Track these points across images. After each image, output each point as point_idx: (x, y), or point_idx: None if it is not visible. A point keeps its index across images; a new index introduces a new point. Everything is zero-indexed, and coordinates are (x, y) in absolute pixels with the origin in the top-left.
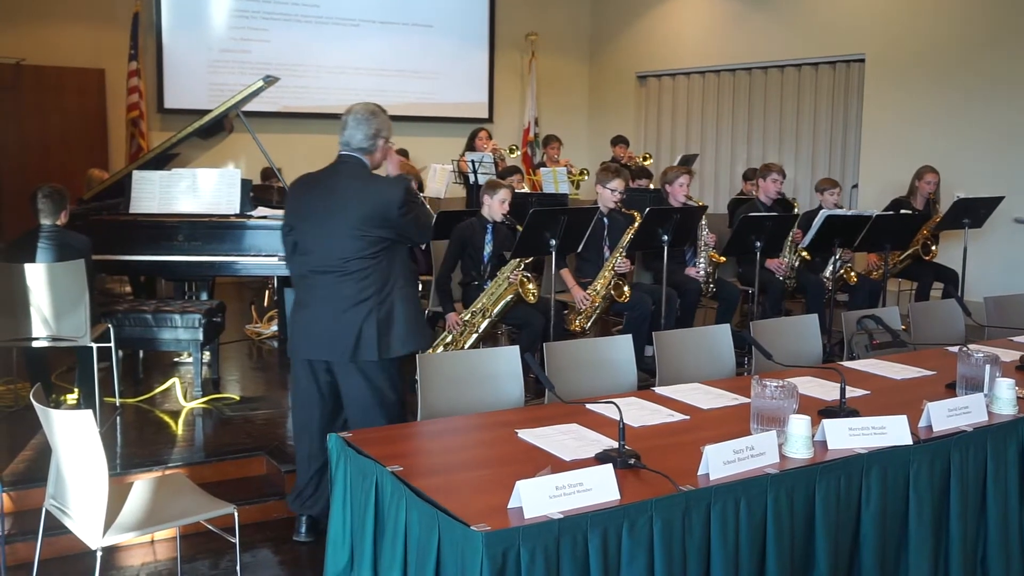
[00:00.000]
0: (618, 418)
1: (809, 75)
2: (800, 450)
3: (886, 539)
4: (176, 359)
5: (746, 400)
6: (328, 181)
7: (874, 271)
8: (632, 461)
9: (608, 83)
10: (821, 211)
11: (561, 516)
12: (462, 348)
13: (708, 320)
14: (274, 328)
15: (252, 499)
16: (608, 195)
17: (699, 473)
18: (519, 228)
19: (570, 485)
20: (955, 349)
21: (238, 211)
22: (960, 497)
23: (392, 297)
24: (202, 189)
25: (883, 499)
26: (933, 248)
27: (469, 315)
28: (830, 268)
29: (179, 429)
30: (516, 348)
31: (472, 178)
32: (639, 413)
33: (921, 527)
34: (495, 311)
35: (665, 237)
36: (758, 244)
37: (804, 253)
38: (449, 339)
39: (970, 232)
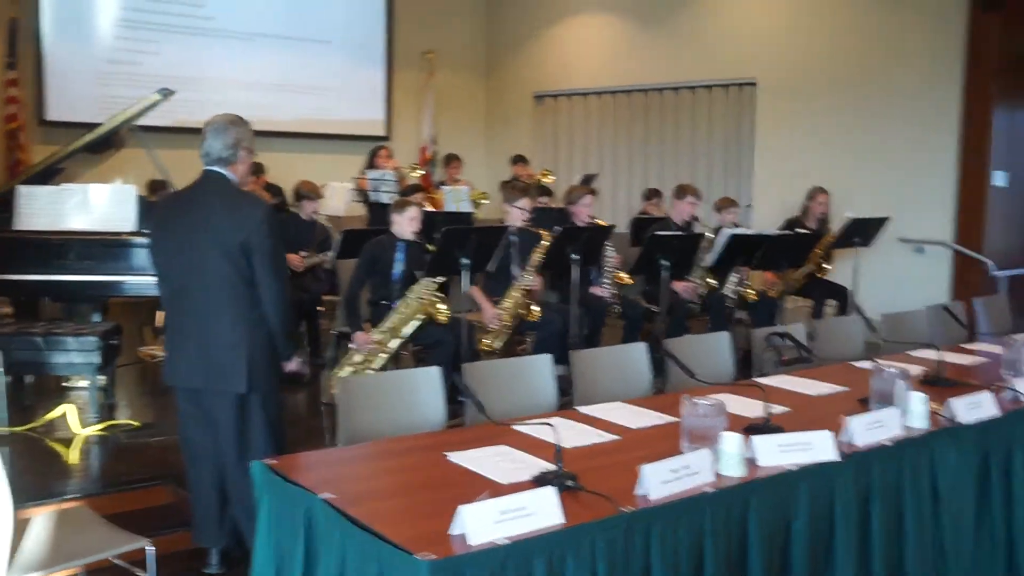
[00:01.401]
0: (550, 438)
1: (703, 97)
2: (734, 468)
3: (815, 552)
4: (65, 384)
5: (672, 419)
6: (191, 197)
7: (770, 289)
8: (570, 483)
9: (505, 102)
10: (722, 230)
11: (508, 542)
12: (372, 369)
13: (614, 338)
14: None
15: (158, 530)
16: (516, 213)
17: (637, 493)
18: (428, 247)
19: (514, 510)
20: (863, 364)
21: (134, 228)
22: (881, 510)
23: (265, 322)
24: (94, 205)
25: (811, 514)
26: (826, 267)
27: (379, 335)
28: (729, 287)
29: (74, 458)
30: (437, 369)
31: (373, 196)
32: (568, 433)
33: (847, 540)
34: (405, 331)
35: (575, 256)
36: (664, 263)
37: (712, 281)
38: (358, 359)
39: (858, 252)
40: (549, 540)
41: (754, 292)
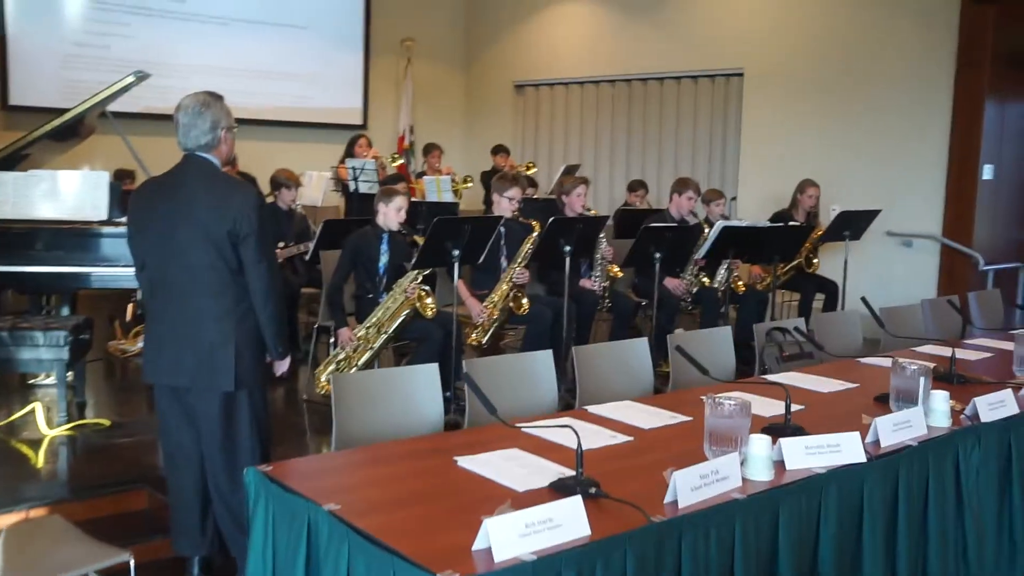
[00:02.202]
0: (562, 440)
1: (689, 88)
2: (761, 472)
3: (842, 557)
4: (31, 381)
5: (684, 418)
6: (172, 184)
7: (758, 283)
8: (593, 490)
9: (485, 91)
10: (717, 222)
11: (535, 557)
12: (356, 366)
13: (602, 333)
14: (141, 345)
15: (134, 538)
16: (506, 204)
17: (666, 501)
18: (416, 239)
19: (540, 522)
20: (869, 361)
21: (105, 216)
22: (907, 513)
23: (253, 315)
24: (64, 193)
25: (840, 518)
26: (815, 260)
27: (363, 331)
28: (718, 279)
29: (42, 461)
30: (435, 366)
31: (352, 186)
32: (580, 435)
33: (874, 545)
34: (391, 327)
35: (567, 248)
36: (658, 255)
37: (705, 279)
38: (342, 356)
39: (846, 245)
40: (577, 554)
41: (743, 284)
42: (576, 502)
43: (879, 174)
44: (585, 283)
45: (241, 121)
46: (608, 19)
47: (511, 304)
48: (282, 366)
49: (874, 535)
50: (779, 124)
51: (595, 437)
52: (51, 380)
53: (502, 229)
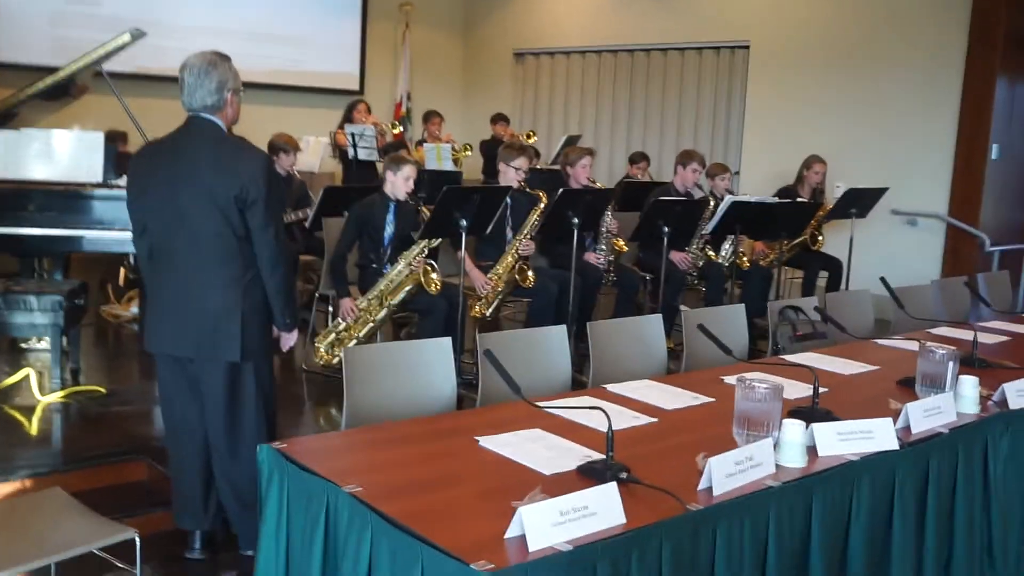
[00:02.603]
0: (586, 421)
1: (693, 60)
2: (795, 458)
3: (873, 547)
4: (23, 345)
5: (706, 399)
6: (175, 146)
7: (761, 259)
8: (624, 475)
9: (484, 59)
10: (725, 197)
11: (570, 547)
12: (356, 338)
13: (607, 308)
14: (135, 310)
15: (133, 511)
16: (512, 174)
17: (699, 488)
18: (424, 209)
19: (575, 509)
20: (887, 342)
21: (100, 179)
22: (936, 503)
23: (260, 284)
24: (58, 153)
25: (872, 507)
26: (820, 238)
27: (365, 302)
28: (723, 254)
29: (35, 429)
30: (448, 340)
31: (351, 152)
32: (601, 415)
33: (904, 536)
34: (394, 300)
35: (575, 220)
36: (666, 230)
37: (711, 253)
38: (342, 327)
39: (851, 223)
40: (613, 543)
41: (747, 260)
42: (611, 489)
43: (885, 151)
44: (590, 257)
45: None
46: None
47: (516, 276)
48: (289, 339)
49: (905, 525)
50: (785, 99)
51: (618, 418)
52: (43, 344)
53: (508, 199)
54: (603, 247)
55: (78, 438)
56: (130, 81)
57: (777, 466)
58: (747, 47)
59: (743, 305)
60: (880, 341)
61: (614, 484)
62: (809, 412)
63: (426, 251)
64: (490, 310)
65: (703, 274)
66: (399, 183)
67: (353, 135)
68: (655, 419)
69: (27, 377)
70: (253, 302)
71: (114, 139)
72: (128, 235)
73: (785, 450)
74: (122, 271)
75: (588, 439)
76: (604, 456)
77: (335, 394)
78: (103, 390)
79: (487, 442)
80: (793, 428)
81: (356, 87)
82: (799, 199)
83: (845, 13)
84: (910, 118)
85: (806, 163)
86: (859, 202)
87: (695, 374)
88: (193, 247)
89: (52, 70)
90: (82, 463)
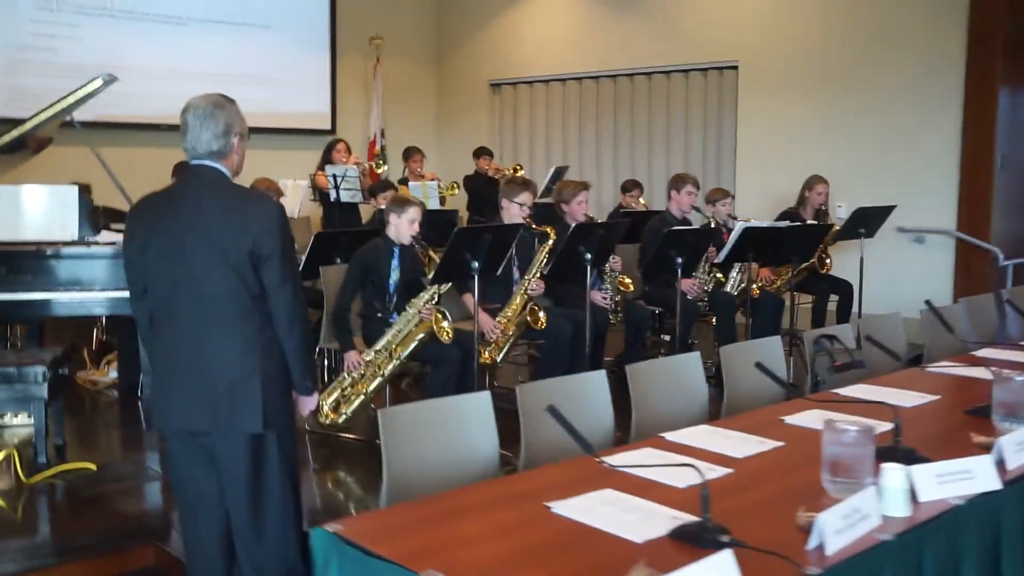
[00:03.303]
0: (659, 477)
1: (679, 82)
2: (900, 507)
3: None
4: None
5: (775, 443)
6: (178, 198)
7: (768, 286)
8: (726, 538)
9: (459, 91)
10: (738, 223)
11: None
12: (364, 393)
13: (615, 346)
14: (113, 375)
15: None
16: (516, 210)
17: (809, 547)
18: (431, 253)
19: None
20: (939, 369)
21: (76, 236)
22: None
23: (279, 345)
24: (29, 210)
25: (979, 554)
26: (827, 260)
27: (372, 354)
28: (731, 283)
29: (25, 516)
30: (487, 395)
31: (333, 194)
32: (671, 469)
33: None
34: (404, 352)
35: (588, 255)
36: (679, 261)
37: (720, 274)
38: (347, 382)
39: (853, 244)
40: None
41: (756, 289)
42: (727, 559)
43: (887, 168)
44: (595, 296)
45: None
46: (590, 11)
47: (528, 318)
48: (310, 403)
49: (1014, 569)
50: (778, 119)
51: (691, 472)
52: (19, 420)
53: None
54: (607, 285)
55: (74, 524)
56: (90, 129)
57: (883, 517)
58: (736, 67)
59: (779, 337)
60: (931, 368)
61: (729, 552)
62: (893, 452)
63: (436, 297)
64: (500, 356)
65: (712, 305)
66: (403, 226)
67: (335, 176)
68: (730, 470)
69: (11, 457)
70: (273, 365)
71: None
72: (108, 295)
73: (888, 498)
74: (95, 333)
75: (667, 498)
76: (696, 518)
77: (343, 455)
78: (94, 467)
79: (560, 508)
80: (895, 474)
81: (328, 126)
82: (800, 222)
83: (837, 28)
84: (911, 132)
85: (808, 184)
86: (867, 222)
87: (750, 416)
88: (202, 309)
89: (7, 122)
90: (83, 552)
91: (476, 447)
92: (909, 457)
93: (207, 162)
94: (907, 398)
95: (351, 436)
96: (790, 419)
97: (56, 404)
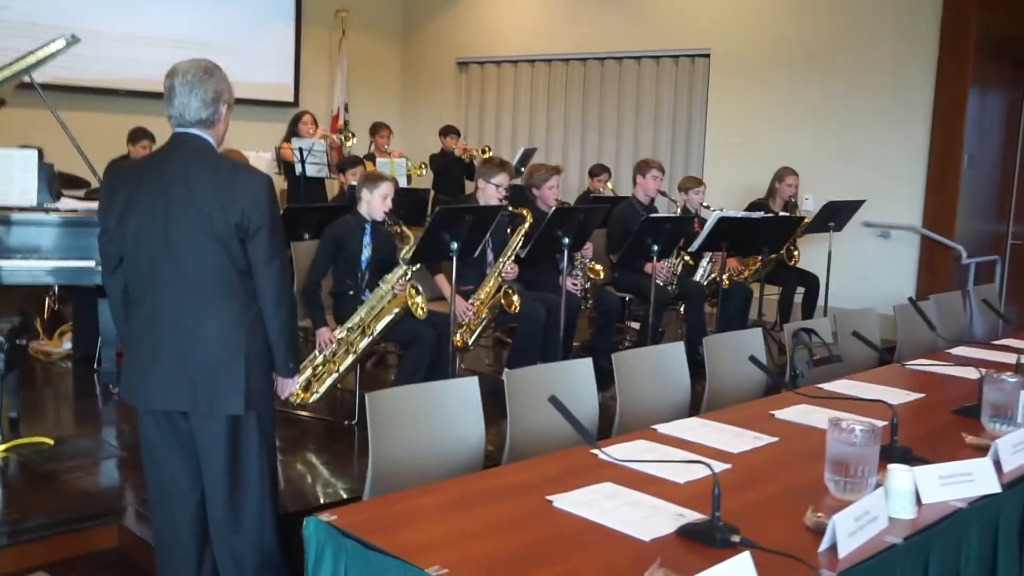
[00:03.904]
0: (657, 471)
1: (650, 69)
2: (905, 509)
3: None
4: None
5: (769, 438)
6: (162, 168)
7: (735, 276)
8: (736, 538)
9: (425, 68)
10: (714, 213)
11: None
12: (337, 371)
13: (583, 332)
14: (67, 346)
15: None
16: (492, 191)
17: (821, 549)
18: (404, 229)
19: None
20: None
21: (35, 202)
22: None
23: (263, 323)
24: None
25: (980, 555)
26: (796, 252)
27: (344, 332)
28: (700, 273)
29: None
30: (474, 380)
31: (299, 168)
32: (669, 464)
33: None
34: (377, 328)
35: (566, 240)
36: (655, 248)
37: (688, 257)
38: (320, 360)
39: (817, 236)
40: None
41: (727, 279)
42: (745, 562)
43: (855, 162)
44: (566, 283)
45: (160, 96)
46: None
47: (502, 301)
48: (291, 385)
49: (1009, 571)
50: (748, 108)
51: (688, 467)
52: None
53: None
54: (578, 272)
55: (31, 501)
56: (47, 92)
57: (889, 518)
58: (707, 55)
59: (759, 329)
60: (911, 365)
61: (747, 555)
62: (890, 451)
63: (409, 274)
64: (472, 338)
65: (681, 294)
66: (376, 202)
67: (301, 150)
68: (728, 465)
69: None
70: (257, 344)
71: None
72: (63, 264)
73: (894, 500)
74: (47, 302)
75: (669, 493)
76: (701, 515)
77: (312, 435)
78: (50, 442)
79: (561, 502)
80: (902, 475)
81: (291, 98)
82: (769, 213)
83: (810, 20)
84: (880, 128)
85: (778, 175)
86: (837, 215)
87: (739, 409)
88: (185, 283)
89: None
90: (42, 531)
91: (463, 434)
92: (905, 456)
93: (194, 130)
94: (892, 395)
95: (316, 416)
96: (780, 414)
97: (12, 376)
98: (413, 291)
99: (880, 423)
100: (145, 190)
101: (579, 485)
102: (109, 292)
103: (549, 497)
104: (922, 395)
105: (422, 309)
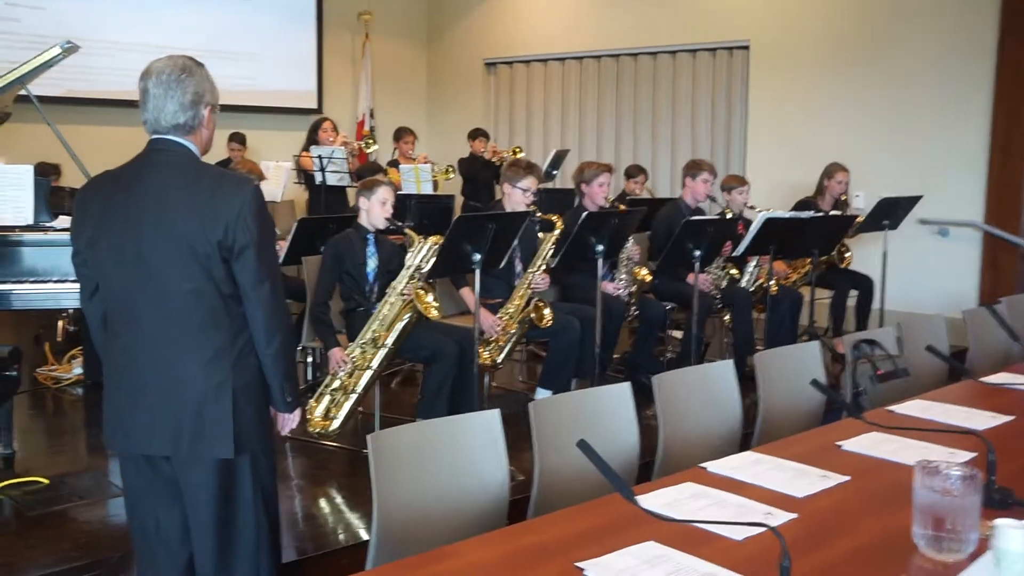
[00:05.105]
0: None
1: (686, 62)
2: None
3: None
4: None
5: (839, 477)
6: (135, 180)
7: (783, 280)
8: None
9: (452, 70)
10: (760, 214)
11: None
12: (355, 392)
13: (623, 344)
14: (77, 371)
15: None
16: (519, 196)
17: None
18: (410, 232)
19: None
20: (998, 380)
21: (31, 220)
22: None
23: (254, 353)
24: None
25: None
26: (847, 254)
27: (358, 349)
28: (746, 278)
29: None
30: (496, 413)
31: (319, 177)
32: (718, 510)
33: None
34: (390, 339)
35: (600, 247)
36: (697, 253)
37: (734, 270)
38: (336, 384)
39: (870, 236)
40: None
41: (775, 284)
42: None
43: (909, 155)
44: (607, 287)
45: None
46: None
47: (532, 315)
48: (291, 421)
49: None
50: (792, 102)
51: (745, 516)
52: None
53: None
54: (623, 276)
55: (18, 549)
56: (56, 105)
57: None
58: (747, 47)
59: (816, 343)
60: (991, 380)
61: None
62: (987, 495)
63: (416, 276)
64: (502, 356)
65: (727, 301)
66: (375, 209)
67: (321, 158)
68: (793, 515)
69: None
70: (246, 376)
71: (45, 173)
72: (67, 287)
73: (1007, 565)
74: (60, 325)
75: (725, 556)
76: None
77: (328, 465)
78: (45, 480)
79: (595, 571)
80: (1015, 535)
81: (314, 104)
82: (819, 212)
83: (855, 4)
84: (935, 117)
85: (827, 172)
86: (891, 213)
87: (800, 440)
88: (164, 311)
89: None
90: None
91: (484, 477)
92: (1007, 502)
93: (171, 137)
94: (977, 419)
95: (336, 444)
96: (847, 445)
97: (4, 409)
98: (420, 291)
99: (966, 454)
100: (115, 206)
101: (616, 546)
102: (88, 320)
103: (580, 564)
104: (1011, 417)
105: (435, 308)
